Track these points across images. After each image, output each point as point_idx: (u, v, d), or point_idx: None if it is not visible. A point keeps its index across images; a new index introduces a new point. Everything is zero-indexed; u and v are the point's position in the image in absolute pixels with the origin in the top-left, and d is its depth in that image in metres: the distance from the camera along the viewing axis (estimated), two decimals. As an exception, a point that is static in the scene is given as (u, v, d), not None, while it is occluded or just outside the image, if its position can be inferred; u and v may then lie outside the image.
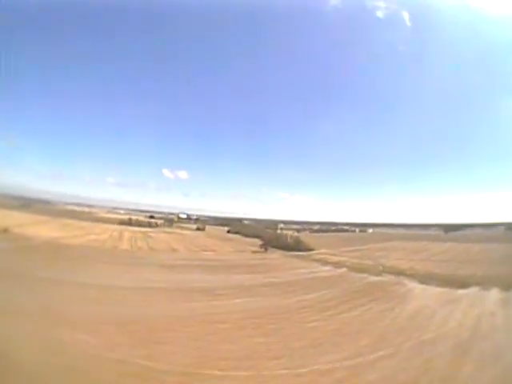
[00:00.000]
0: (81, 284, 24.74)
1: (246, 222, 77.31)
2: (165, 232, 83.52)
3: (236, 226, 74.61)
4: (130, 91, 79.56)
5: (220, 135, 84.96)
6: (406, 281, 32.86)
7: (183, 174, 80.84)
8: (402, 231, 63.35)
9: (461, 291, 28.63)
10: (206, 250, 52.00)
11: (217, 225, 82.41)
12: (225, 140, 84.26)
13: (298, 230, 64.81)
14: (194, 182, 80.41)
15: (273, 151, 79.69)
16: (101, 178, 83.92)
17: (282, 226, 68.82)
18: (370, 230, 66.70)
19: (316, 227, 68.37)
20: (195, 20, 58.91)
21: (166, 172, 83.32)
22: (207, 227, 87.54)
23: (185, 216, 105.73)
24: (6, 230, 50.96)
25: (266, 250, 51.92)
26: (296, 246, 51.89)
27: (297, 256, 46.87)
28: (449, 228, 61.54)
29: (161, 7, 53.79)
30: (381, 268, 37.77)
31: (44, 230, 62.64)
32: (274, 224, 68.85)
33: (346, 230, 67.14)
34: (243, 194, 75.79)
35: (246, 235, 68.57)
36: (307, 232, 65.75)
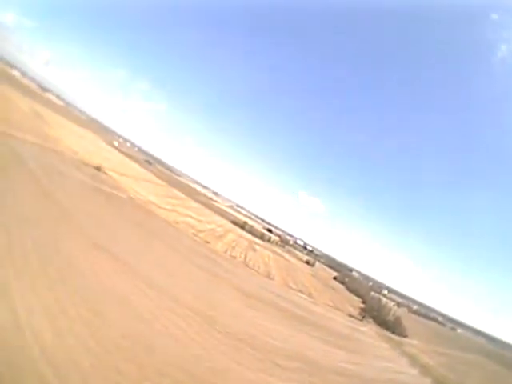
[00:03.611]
0: (123, 263, 19.61)
1: (355, 273, 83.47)
2: (272, 251, 78.71)
3: (344, 275, 78.88)
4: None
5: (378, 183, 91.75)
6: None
7: (317, 203, 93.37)
8: (482, 341, 62.02)
9: None
10: (302, 292, 47.54)
11: (327, 265, 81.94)
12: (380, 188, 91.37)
13: (398, 304, 66.25)
14: (325, 214, 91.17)
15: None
16: (237, 173, 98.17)
17: (386, 292, 71.39)
18: (459, 330, 67.23)
19: (415, 307, 71.20)
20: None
21: (301, 194, 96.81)
22: (317, 264, 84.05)
23: (301, 243, 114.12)
24: (98, 168, 46.71)
25: (363, 318, 51.24)
26: (393, 327, 53.91)
27: (389, 339, 46.27)
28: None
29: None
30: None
31: (146, 189, 58.45)
32: (379, 287, 74.32)
33: (440, 322, 67.94)
34: (368, 245, 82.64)
35: (350, 290, 71.99)
36: (406, 310, 67.31)
